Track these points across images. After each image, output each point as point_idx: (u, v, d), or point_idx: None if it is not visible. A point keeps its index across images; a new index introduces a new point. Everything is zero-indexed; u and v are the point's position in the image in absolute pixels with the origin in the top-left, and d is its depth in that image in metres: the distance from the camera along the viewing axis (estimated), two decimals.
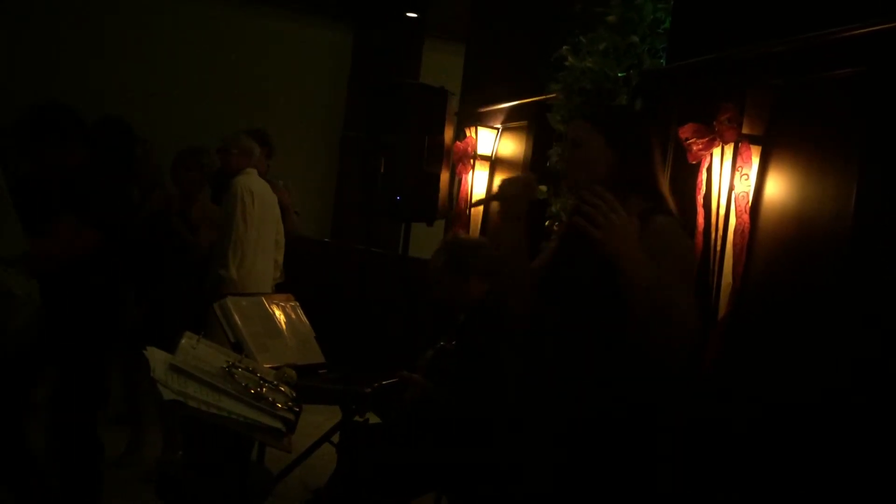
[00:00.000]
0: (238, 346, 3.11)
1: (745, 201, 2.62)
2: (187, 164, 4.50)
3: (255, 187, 4.61)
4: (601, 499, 2.09)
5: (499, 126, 4.87)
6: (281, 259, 4.92)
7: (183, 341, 2.21)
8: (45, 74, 6.01)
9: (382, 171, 4.08)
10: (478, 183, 4.96)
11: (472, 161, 4.94)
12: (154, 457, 4.27)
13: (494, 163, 4.90)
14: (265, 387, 2.16)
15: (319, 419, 4.31)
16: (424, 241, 5.31)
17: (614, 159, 2.13)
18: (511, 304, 2.36)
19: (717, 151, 2.73)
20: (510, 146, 4.76)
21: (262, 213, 4.64)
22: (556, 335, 2.20)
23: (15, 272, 1.26)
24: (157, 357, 2.02)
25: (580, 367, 2.10)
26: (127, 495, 3.87)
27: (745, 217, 2.61)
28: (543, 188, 3.90)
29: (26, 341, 1.28)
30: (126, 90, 6.61)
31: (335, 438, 4.00)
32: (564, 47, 3.71)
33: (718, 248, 2.69)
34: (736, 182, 2.63)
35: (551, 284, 2.24)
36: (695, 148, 2.78)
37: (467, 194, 5.03)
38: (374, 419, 3.64)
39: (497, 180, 4.87)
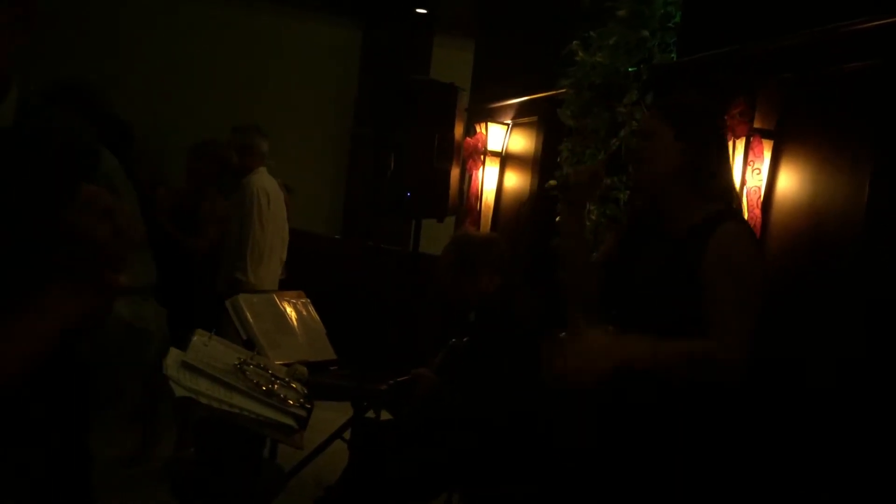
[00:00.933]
0: (250, 344, 3.12)
1: (757, 196, 2.60)
2: (198, 155, 4.51)
3: (269, 187, 4.62)
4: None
5: (509, 122, 4.86)
6: (285, 256, 4.93)
7: (195, 339, 2.22)
8: (56, 73, 6.03)
9: (392, 167, 4.07)
10: (488, 179, 4.95)
11: (482, 157, 4.94)
12: (169, 454, 4.30)
13: (505, 158, 4.89)
14: (277, 384, 2.17)
15: (331, 416, 4.32)
16: (435, 237, 5.32)
17: (683, 154, 2.11)
18: (569, 291, 2.39)
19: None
20: (520, 142, 4.75)
21: (274, 213, 4.66)
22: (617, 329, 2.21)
23: (147, 304, 1.19)
24: (169, 354, 2.03)
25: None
26: (141, 493, 3.89)
27: (757, 211, 2.60)
28: (554, 183, 3.90)
29: (153, 373, 1.22)
30: (137, 90, 6.63)
31: (347, 435, 4.01)
32: (574, 42, 3.70)
33: None
34: (748, 176, 2.62)
35: (617, 280, 2.24)
36: None
37: (478, 190, 5.02)
38: (385, 415, 3.65)
39: (508, 176, 4.87)
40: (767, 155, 2.61)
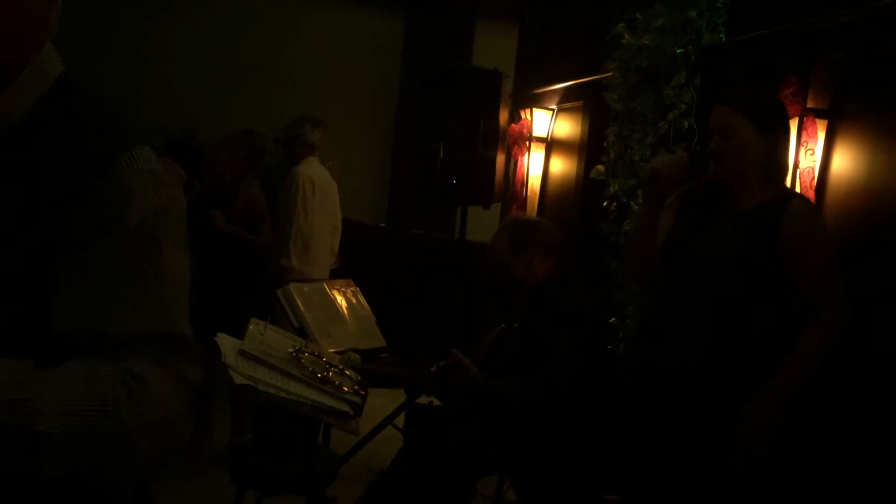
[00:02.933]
0: (301, 332, 3.17)
1: (811, 177, 2.56)
2: (235, 146, 4.56)
3: (315, 176, 4.67)
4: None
5: (554, 107, 4.84)
6: (337, 245, 4.98)
7: (251, 328, 2.26)
8: (100, 70, 6.14)
9: (442, 155, 4.08)
10: (534, 165, 4.94)
11: (527, 143, 4.92)
12: (223, 441, 4.39)
13: (550, 144, 4.87)
14: (331, 371, 2.20)
15: (381, 402, 4.36)
16: (481, 224, 5.32)
17: (768, 148, 2.18)
18: (629, 271, 2.44)
19: None
20: (566, 127, 4.72)
21: (321, 202, 4.70)
22: (679, 310, 2.24)
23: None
24: (227, 343, 2.07)
25: (702, 341, 2.13)
26: (200, 478, 3.97)
27: (811, 193, 2.56)
28: (601, 168, 3.87)
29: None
30: (183, 83, 6.74)
31: (398, 421, 4.05)
32: (620, 25, 3.66)
33: None
34: (801, 158, 2.58)
35: (678, 256, 2.29)
36: None
37: (523, 177, 5.01)
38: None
39: (554, 162, 4.85)
40: (821, 135, 2.56)
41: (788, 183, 2.62)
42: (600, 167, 3.87)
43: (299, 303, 3.33)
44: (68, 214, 0.96)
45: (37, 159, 0.95)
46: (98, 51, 6.48)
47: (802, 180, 2.58)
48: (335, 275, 4.74)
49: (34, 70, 1.02)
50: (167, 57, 6.89)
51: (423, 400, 3.44)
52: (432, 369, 2.94)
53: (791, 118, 2.63)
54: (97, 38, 6.55)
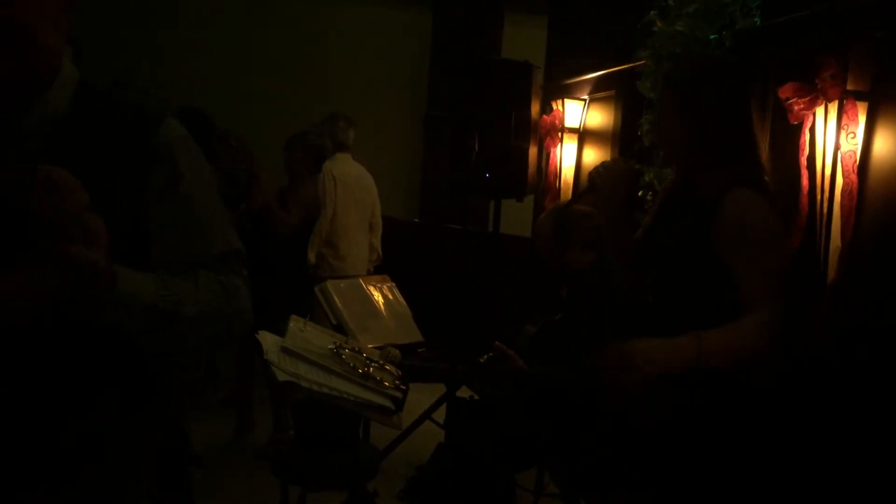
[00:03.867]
0: (340, 328, 3.19)
1: (853, 160, 2.52)
2: (293, 146, 4.60)
3: (338, 171, 4.69)
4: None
5: (586, 97, 4.80)
6: (377, 242, 5.00)
7: (291, 325, 2.28)
8: (125, 66, 6.19)
9: (476, 148, 4.07)
10: (566, 156, 4.91)
11: (559, 134, 4.90)
12: (264, 437, 4.43)
13: (583, 135, 4.84)
14: (372, 366, 2.21)
15: (419, 397, 4.38)
16: (515, 217, 5.31)
17: (684, 122, 2.07)
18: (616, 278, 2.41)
19: (819, 110, 2.63)
20: (598, 117, 4.69)
21: (348, 197, 4.72)
22: (653, 302, 2.21)
23: (193, 282, 1.31)
24: (268, 340, 2.09)
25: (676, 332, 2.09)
26: (242, 474, 4.02)
27: (853, 177, 2.51)
28: (632, 161, 3.84)
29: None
30: (211, 79, 6.79)
31: (436, 416, 4.07)
32: (652, 12, 3.62)
33: (825, 210, 2.60)
34: (842, 141, 2.53)
35: (647, 254, 2.24)
36: (796, 108, 2.68)
37: (556, 168, 4.99)
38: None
39: (587, 153, 4.81)
40: (862, 118, 2.51)
41: (829, 168, 2.58)
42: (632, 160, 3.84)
43: (337, 299, 3.35)
44: (132, 176, 1.23)
45: (92, 139, 1.17)
46: (124, 48, 6.57)
47: (844, 164, 2.53)
48: (376, 271, 4.77)
49: (65, 72, 1.26)
50: (195, 54, 6.95)
51: (462, 393, 3.45)
52: (481, 360, 2.95)
53: (830, 101, 2.58)
54: (124, 34, 6.64)
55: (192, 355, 1.49)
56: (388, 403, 2.10)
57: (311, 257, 4.59)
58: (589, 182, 2.28)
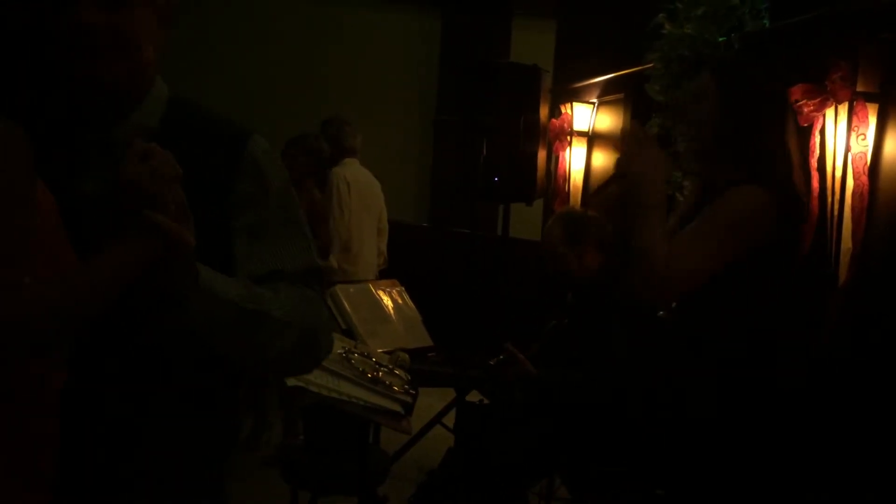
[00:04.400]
0: (349, 333, 3.19)
1: (863, 162, 2.50)
2: (293, 151, 4.59)
3: (350, 176, 4.70)
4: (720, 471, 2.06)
5: (594, 100, 4.80)
6: (384, 246, 5.01)
7: None
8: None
9: (485, 153, 4.07)
10: (575, 160, 4.91)
11: (568, 138, 4.89)
12: (276, 442, 4.43)
13: (592, 138, 4.83)
14: (381, 371, 2.21)
15: (429, 401, 4.38)
16: (524, 221, 5.30)
17: (733, 125, 2.00)
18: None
19: (830, 112, 2.62)
20: (607, 120, 4.68)
21: (359, 202, 4.73)
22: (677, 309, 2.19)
23: (286, 291, 1.28)
24: None
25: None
26: (252, 478, 4.02)
27: (864, 179, 2.50)
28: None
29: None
30: (220, 83, 6.81)
31: (447, 420, 4.06)
32: (660, 15, 3.61)
33: (836, 212, 2.58)
34: (852, 143, 2.52)
35: None
36: (806, 110, 2.66)
37: (565, 172, 4.98)
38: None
39: (596, 156, 4.81)
40: (872, 119, 2.50)
41: (839, 170, 2.56)
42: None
43: (346, 304, 3.35)
44: (220, 188, 1.25)
45: (182, 151, 1.15)
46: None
47: (855, 166, 2.52)
48: (383, 275, 4.77)
49: (158, 86, 1.30)
50: (203, 57, 6.97)
51: (472, 398, 3.44)
52: (490, 363, 2.95)
53: (840, 103, 2.57)
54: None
55: (277, 368, 1.43)
56: (397, 408, 2.10)
57: (333, 262, 4.58)
58: (618, 168, 2.14)
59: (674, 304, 2.20)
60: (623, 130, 2.30)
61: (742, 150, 2.02)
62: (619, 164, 2.09)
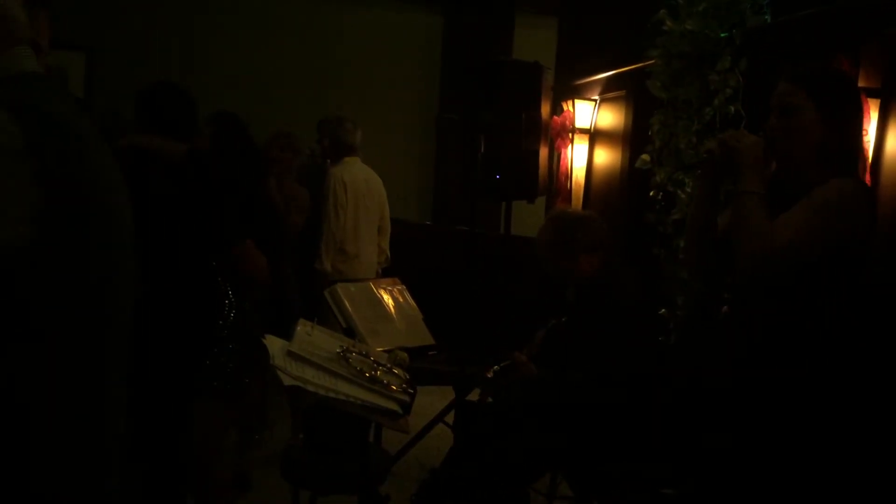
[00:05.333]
0: (350, 332, 3.18)
1: (865, 158, 2.49)
2: (280, 146, 4.55)
3: (348, 177, 4.68)
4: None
5: (596, 97, 4.78)
6: (386, 244, 4.99)
7: (298, 328, 2.27)
8: (141, 69, 6.22)
9: (486, 150, 4.06)
10: (577, 157, 4.89)
11: (570, 135, 4.88)
12: (281, 439, 4.42)
13: (594, 135, 4.82)
14: (379, 370, 2.20)
15: (431, 400, 4.37)
16: (526, 218, 5.29)
17: (827, 133, 2.01)
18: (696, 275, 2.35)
19: None
20: (609, 117, 4.67)
21: (357, 202, 4.71)
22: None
23: None
24: (275, 345, 2.09)
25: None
26: (252, 478, 4.02)
27: (866, 175, 2.48)
28: (646, 157, 3.82)
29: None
30: (223, 82, 6.81)
31: (448, 418, 4.05)
32: (661, 11, 3.60)
33: None
34: None
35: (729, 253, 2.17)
36: None
37: (567, 169, 4.97)
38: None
39: (598, 153, 4.79)
40: (874, 115, 2.48)
41: None
42: (645, 156, 3.81)
43: (346, 303, 3.34)
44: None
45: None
46: (138, 49, 6.60)
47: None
48: (387, 273, 4.75)
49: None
50: (208, 56, 6.97)
51: (472, 397, 3.43)
52: (488, 375, 2.93)
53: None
54: (135, 39, 6.67)
55: None
56: (395, 407, 2.09)
57: (327, 265, 4.57)
58: (707, 156, 2.17)
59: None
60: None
61: (841, 152, 2.04)
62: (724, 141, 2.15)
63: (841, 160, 2.03)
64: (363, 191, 4.76)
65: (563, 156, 5.02)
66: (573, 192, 4.95)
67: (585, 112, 4.80)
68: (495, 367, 2.91)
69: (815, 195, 1.98)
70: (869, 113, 2.48)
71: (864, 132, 2.18)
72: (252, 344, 2.82)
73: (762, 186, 2.04)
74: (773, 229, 1.96)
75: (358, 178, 4.76)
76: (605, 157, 4.70)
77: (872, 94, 2.49)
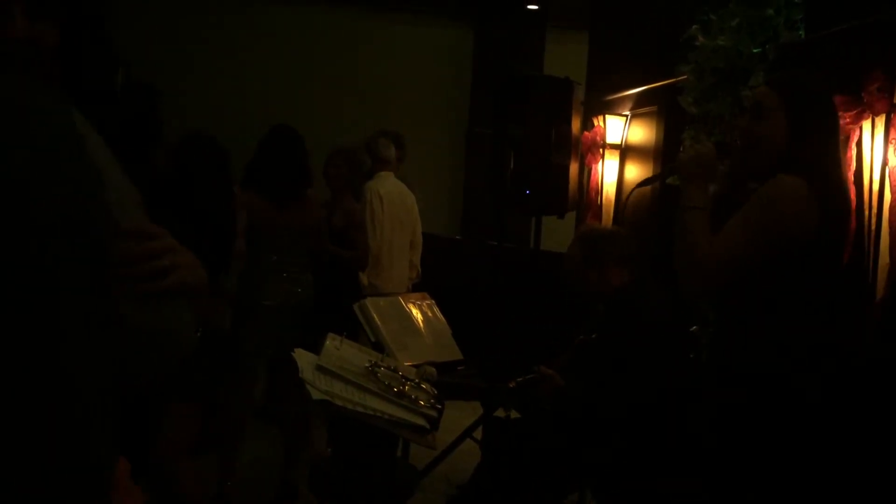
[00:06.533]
0: (379, 346, 3.19)
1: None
2: (335, 161, 4.57)
3: (383, 190, 4.70)
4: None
5: (627, 113, 4.76)
6: (417, 259, 5.00)
7: (327, 343, 2.28)
8: (170, 84, 6.31)
9: (511, 165, 4.06)
10: (608, 172, 4.87)
11: (601, 150, 4.86)
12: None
13: (625, 151, 4.79)
14: (408, 385, 2.21)
15: (460, 415, 4.35)
16: (556, 233, 5.27)
17: (793, 139, 2.00)
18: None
19: (866, 124, 2.57)
20: (640, 133, 4.64)
21: (393, 216, 4.73)
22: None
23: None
24: (304, 359, 2.10)
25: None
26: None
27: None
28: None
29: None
30: (259, 94, 6.90)
31: (477, 434, 4.03)
32: (694, 26, 3.58)
33: (873, 226, 2.53)
34: (890, 155, 2.47)
35: None
36: (842, 122, 2.61)
37: (597, 184, 4.95)
38: (514, 413, 3.65)
39: (629, 169, 4.77)
40: None
41: (877, 183, 2.51)
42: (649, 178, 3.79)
43: (375, 317, 3.35)
44: None
45: None
46: (163, 68, 6.69)
47: (893, 179, 2.46)
48: (415, 287, 4.76)
49: None
50: (240, 70, 7.06)
51: (500, 413, 3.41)
52: (510, 385, 2.92)
53: (877, 115, 2.52)
54: (163, 55, 6.76)
55: None
56: (422, 422, 2.09)
57: (363, 278, 4.58)
58: (674, 164, 2.18)
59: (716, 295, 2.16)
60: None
61: (804, 160, 2.01)
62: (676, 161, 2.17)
63: (803, 167, 1.98)
64: (398, 205, 4.79)
65: (593, 171, 5.00)
66: (603, 207, 4.92)
67: (616, 127, 4.78)
68: (518, 378, 2.91)
69: (758, 191, 1.99)
70: None
71: (838, 159, 2.12)
72: (224, 354, 2.85)
73: (701, 199, 2.05)
74: (711, 244, 1.98)
75: (392, 191, 4.78)
76: (636, 172, 4.67)
77: None
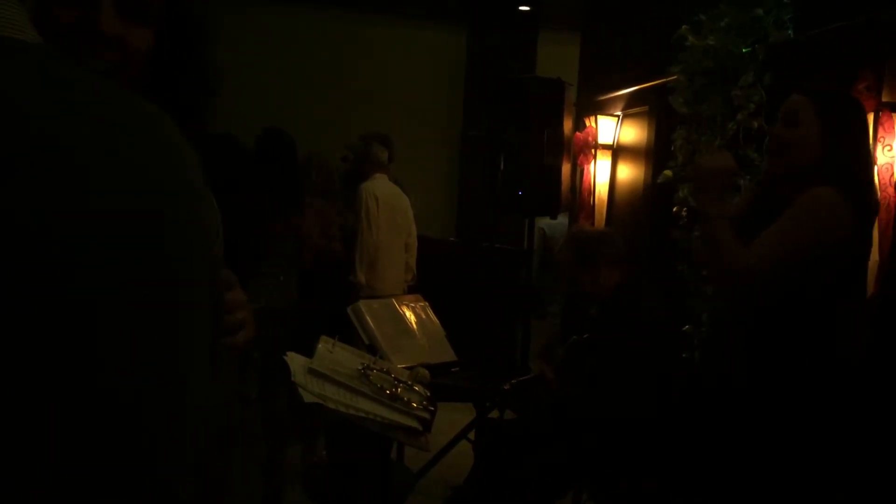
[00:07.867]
0: (372, 348, 3.19)
1: (890, 174, 2.46)
2: (305, 169, 4.54)
3: (379, 192, 4.71)
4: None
5: (619, 113, 4.77)
6: (413, 262, 5.00)
7: (319, 346, 2.28)
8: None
9: (503, 167, 4.07)
10: (600, 172, 4.88)
11: (593, 151, 4.87)
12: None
13: (616, 151, 4.81)
14: (400, 387, 2.21)
15: (455, 416, 4.36)
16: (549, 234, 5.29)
17: (827, 148, 2.02)
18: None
19: None
20: (632, 133, 4.66)
21: (388, 217, 4.73)
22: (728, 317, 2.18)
23: None
24: (296, 362, 2.10)
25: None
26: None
27: (891, 190, 2.46)
28: (669, 173, 3.80)
29: None
30: (252, 97, 6.89)
31: (471, 435, 4.03)
32: (684, 27, 3.59)
33: None
34: (878, 154, 2.48)
35: None
36: None
37: (590, 185, 4.96)
38: (509, 414, 3.65)
39: (621, 169, 4.78)
40: None
41: None
42: (668, 172, 3.80)
43: (369, 319, 3.35)
44: None
45: None
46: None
47: (881, 177, 2.47)
48: (410, 289, 4.76)
49: None
50: (233, 73, 7.05)
51: (493, 415, 3.42)
52: (505, 387, 2.93)
53: (866, 113, 2.53)
54: None
55: None
56: (415, 424, 2.09)
57: (361, 278, 4.59)
58: (692, 171, 2.23)
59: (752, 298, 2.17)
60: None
61: (839, 167, 2.03)
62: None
63: (837, 175, 2.01)
64: (393, 206, 4.79)
65: (585, 172, 5.01)
66: (596, 208, 4.93)
67: (608, 128, 4.80)
68: (513, 380, 2.91)
69: (795, 203, 1.99)
70: (893, 129, 2.45)
71: (871, 160, 2.16)
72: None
73: (723, 208, 2.07)
74: (747, 255, 1.98)
75: (388, 193, 4.79)
76: (628, 172, 4.69)
77: None
